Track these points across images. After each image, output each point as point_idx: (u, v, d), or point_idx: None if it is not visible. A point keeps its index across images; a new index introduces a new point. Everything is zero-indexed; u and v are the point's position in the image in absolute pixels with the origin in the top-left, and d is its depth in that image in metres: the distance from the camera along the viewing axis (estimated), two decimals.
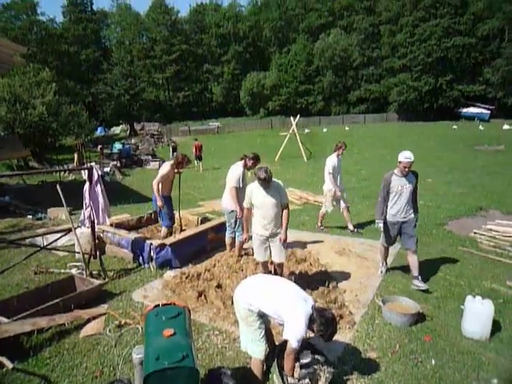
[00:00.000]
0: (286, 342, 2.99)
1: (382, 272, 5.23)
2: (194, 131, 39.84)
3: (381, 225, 4.86)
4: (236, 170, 5.45)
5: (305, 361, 3.02)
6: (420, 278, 4.74)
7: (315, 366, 2.99)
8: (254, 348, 2.96)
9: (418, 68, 41.94)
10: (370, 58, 47.57)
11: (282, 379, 2.79)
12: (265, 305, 2.86)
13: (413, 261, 4.78)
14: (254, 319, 2.90)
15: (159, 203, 5.86)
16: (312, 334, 2.97)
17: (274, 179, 4.26)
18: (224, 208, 5.68)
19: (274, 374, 2.87)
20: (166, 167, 6.03)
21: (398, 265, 5.45)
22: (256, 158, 5.46)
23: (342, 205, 7.13)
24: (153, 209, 6.47)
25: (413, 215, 4.79)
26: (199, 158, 18.52)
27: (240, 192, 5.38)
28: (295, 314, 2.73)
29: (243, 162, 5.49)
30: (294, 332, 2.70)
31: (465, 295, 4.12)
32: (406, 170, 4.56)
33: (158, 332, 2.34)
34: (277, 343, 3.40)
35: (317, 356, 3.09)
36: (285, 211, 4.36)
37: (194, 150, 18.59)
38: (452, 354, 3.52)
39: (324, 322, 2.72)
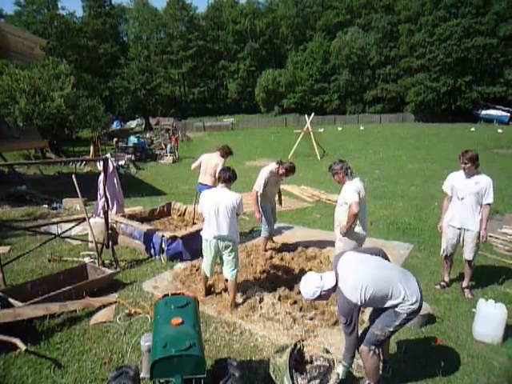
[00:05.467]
0: (297, 343, 3.06)
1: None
2: (209, 127, 39.97)
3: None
4: (263, 173, 5.44)
5: (317, 363, 3.02)
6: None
7: (327, 366, 2.98)
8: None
9: (437, 68, 41.12)
10: (387, 57, 46.89)
11: (293, 381, 2.78)
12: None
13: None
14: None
15: None
16: None
17: (354, 179, 4.19)
18: None
19: (285, 376, 2.82)
20: (221, 160, 6.26)
21: (410, 266, 5.39)
22: (290, 170, 5.49)
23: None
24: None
25: None
26: (176, 148, 23.24)
27: (262, 196, 5.41)
28: None
29: (276, 167, 5.49)
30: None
31: (477, 298, 4.06)
32: None
33: (167, 320, 2.37)
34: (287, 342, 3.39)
35: (329, 357, 3.08)
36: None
37: (174, 142, 23.75)
38: (462, 357, 3.46)
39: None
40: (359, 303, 2.61)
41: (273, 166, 5.53)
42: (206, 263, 4.28)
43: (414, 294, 2.69)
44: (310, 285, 2.74)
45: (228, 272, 4.19)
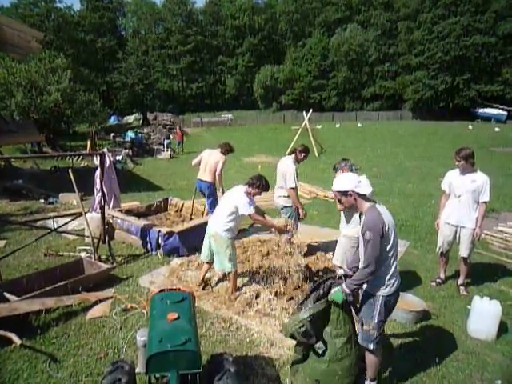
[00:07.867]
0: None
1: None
2: (207, 123, 39.89)
3: None
4: (290, 168, 5.14)
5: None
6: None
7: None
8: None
9: (435, 66, 41.16)
10: (386, 55, 46.87)
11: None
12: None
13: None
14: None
15: (221, 193, 6.08)
16: None
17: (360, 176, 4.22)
18: (276, 204, 5.53)
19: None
20: (222, 157, 6.34)
21: (406, 262, 5.42)
22: (306, 150, 5.39)
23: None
24: (206, 193, 6.51)
25: None
26: (181, 142, 23.75)
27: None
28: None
29: (294, 156, 5.33)
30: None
31: (472, 295, 4.08)
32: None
33: (163, 315, 2.37)
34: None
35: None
36: None
37: (177, 136, 23.93)
38: (456, 354, 3.49)
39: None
40: (386, 225, 2.65)
41: (288, 158, 5.35)
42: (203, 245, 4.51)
43: (394, 275, 2.80)
44: (347, 178, 2.86)
45: (214, 265, 4.36)
